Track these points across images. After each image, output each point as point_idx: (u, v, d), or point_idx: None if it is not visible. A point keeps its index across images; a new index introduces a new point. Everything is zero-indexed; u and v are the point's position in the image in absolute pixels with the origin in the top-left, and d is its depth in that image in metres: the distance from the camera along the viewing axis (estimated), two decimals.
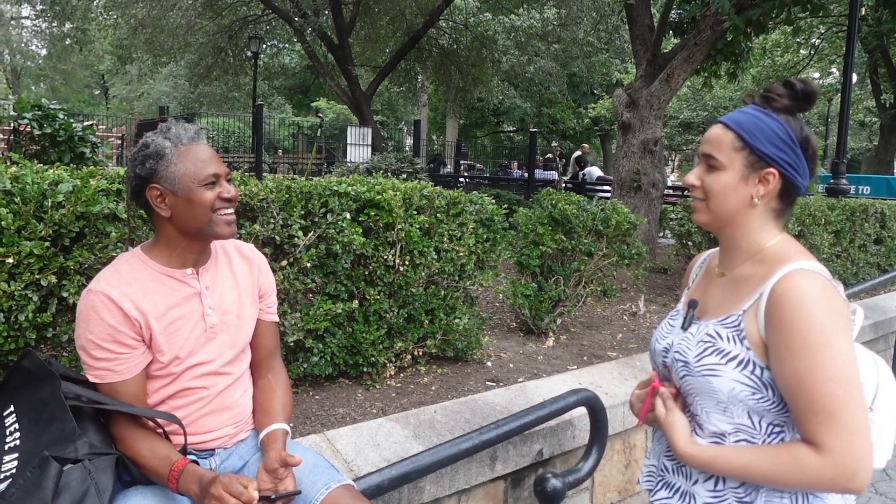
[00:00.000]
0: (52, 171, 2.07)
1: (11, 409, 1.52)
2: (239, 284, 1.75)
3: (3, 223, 1.86)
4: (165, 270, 1.62)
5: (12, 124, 4.85)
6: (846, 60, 7.67)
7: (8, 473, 1.39)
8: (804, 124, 1.30)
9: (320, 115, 21.28)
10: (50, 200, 1.96)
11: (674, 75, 6.23)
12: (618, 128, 6.73)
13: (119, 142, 10.37)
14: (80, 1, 15.27)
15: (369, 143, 10.00)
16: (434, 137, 26.11)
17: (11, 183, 1.91)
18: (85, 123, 4.59)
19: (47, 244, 1.94)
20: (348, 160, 9.57)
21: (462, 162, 16.53)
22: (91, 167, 2.40)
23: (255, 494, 1.42)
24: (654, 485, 1.45)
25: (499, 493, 2.59)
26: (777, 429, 1.25)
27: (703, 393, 1.28)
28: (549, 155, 18.11)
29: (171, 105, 21.30)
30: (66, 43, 18.70)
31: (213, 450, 1.72)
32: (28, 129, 4.77)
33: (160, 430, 1.60)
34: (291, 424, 2.37)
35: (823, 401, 1.14)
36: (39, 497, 1.33)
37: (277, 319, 1.88)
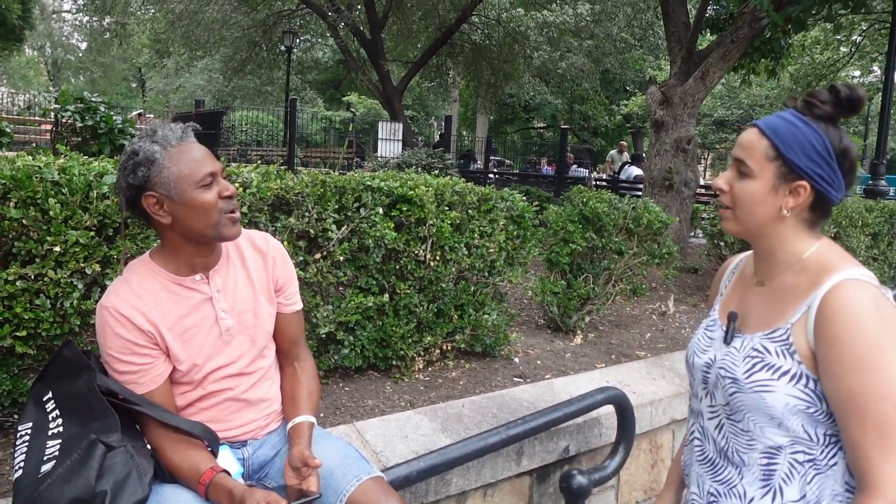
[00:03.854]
0: (97, 162, 2.14)
1: (50, 395, 1.57)
2: (254, 282, 1.72)
3: (51, 213, 1.93)
4: (174, 278, 1.60)
5: (56, 116, 5.01)
6: (888, 58, 7.50)
7: (50, 455, 1.43)
8: (844, 133, 1.24)
9: (352, 109, 21.41)
10: (95, 192, 2.03)
11: (709, 73, 6.15)
12: (651, 125, 6.66)
13: None
14: None
15: (400, 138, 10.05)
16: (464, 133, 26.10)
17: (59, 174, 1.98)
18: (132, 114, 4.70)
19: (92, 234, 2.01)
20: (379, 155, 9.63)
21: (491, 158, 16.49)
22: None
23: None
24: None
25: (524, 488, 2.61)
26: (833, 439, 1.22)
27: (756, 409, 1.24)
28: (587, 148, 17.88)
29: (205, 98, 21.61)
30: (106, 36, 19.09)
31: (245, 441, 1.76)
32: (70, 121, 4.92)
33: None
34: (322, 415, 2.43)
35: (875, 420, 1.11)
36: (84, 476, 1.38)
37: (300, 307, 1.85)
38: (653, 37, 16.50)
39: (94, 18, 18.80)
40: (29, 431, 1.51)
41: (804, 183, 1.22)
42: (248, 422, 1.74)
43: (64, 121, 5.00)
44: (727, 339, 1.33)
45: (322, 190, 2.54)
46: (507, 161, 22.29)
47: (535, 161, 18.23)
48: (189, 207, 1.51)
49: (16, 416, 2.09)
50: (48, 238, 1.94)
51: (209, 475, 1.50)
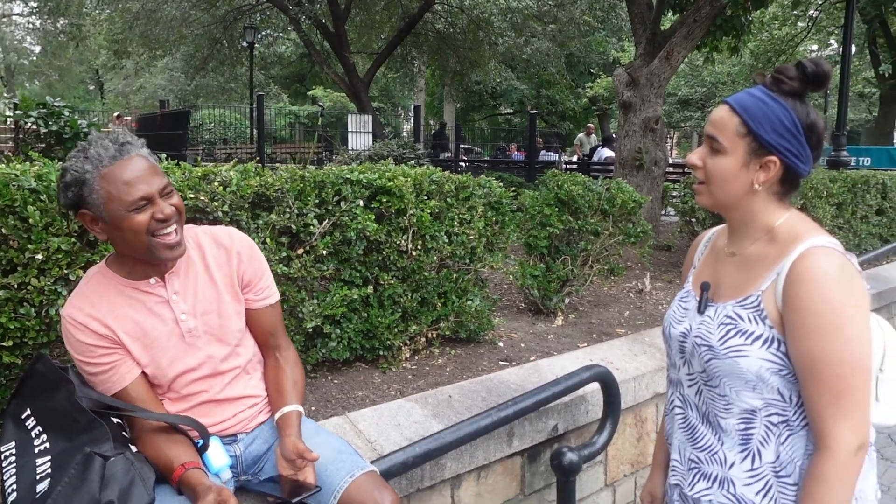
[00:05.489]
0: None
1: (28, 412, 1.56)
2: (216, 280, 1.69)
3: (31, 220, 1.91)
4: (128, 283, 1.60)
5: (17, 122, 4.90)
6: (845, 31, 7.68)
7: (43, 474, 1.43)
8: (812, 108, 1.29)
9: (320, 103, 21.22)
10: None
11: (674, 53, 6.24)
12: (619, 107, 6.75)
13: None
14: None
15: (370, 130, 10.02)
16: (431, 122, 26.05)
17: (36, 181, 1.96)
18: (115, 114, 4.65)
19: (73, 239, 2.00)
20: (350, 148, 9.59)
21: (460, 146, 16.52)
22: None
23: None
24: (681, 479, 1.43)
25: (516, 469, 2.66)
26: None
27: (731, 374, 1.29)
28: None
29: (168, 98, 21.25)
30: (61, 39, 18.63)
31: (235, 435, 1.76)
32: (33, 127, 4.82)
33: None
34: (313, 408, 2.44)
35: (831, 382, 1.18)
36: (87, 490, 1.37)
37: (274, 300, 1.82)
38: (615, 18, 16.64)
39: (48, 21, 18.34)
40: (13, 451, 1.50)
41: (774, 158, 1.27)
42: (230, 416, 1.74)
43: (27, 127, 4.90)
44: (701, 309, 1.37)
45: (302, 185, 2.55)
46: (476, 148, 22.34)
47: (504, 147, 18.30)
48: (119, 229, 1.50)
49: None
50: (29, 246, 1.92)
51: (179, 472, 1.51)
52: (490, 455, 2.49)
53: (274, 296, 1.82)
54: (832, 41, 20.78)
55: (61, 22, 17.65)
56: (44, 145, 4.86)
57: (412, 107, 16.30)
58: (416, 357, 3.09)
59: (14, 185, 1.91)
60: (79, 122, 4.87)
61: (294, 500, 1.56)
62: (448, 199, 3.05)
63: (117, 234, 1.52)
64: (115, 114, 10.68)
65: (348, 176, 2.69)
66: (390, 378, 2.84)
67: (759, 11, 10.23)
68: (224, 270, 1.71)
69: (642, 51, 6.70)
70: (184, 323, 1.64)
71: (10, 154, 5.34)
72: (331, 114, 22.85)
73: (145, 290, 1.61)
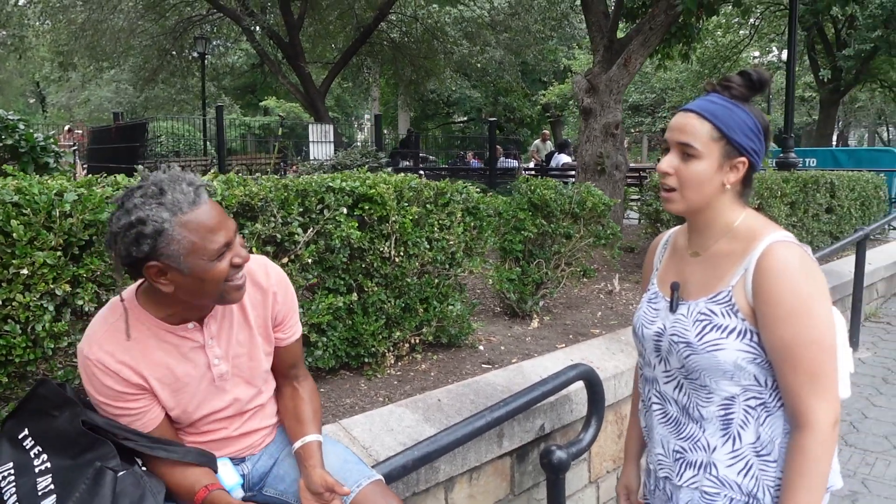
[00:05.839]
0: (53, 181, 2.07)
1: (26, 432, 1.51)
2: (251, 322, 1.61)
3: (15, 235, 1.86)
4: (165, 326, 1.48)
5: None
6: (789, 38, 8.00)
7: (45, 490, 1.38)
8: (761, 112, 1.41)
9: (280, 114, 20.99)
10: (57, 210, 1.96)
11: (631, 59, 6.41)
12: (580, 113, 6.89)
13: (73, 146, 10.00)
14: (14, 7, 14.75)
15: (332, 139, 9.97)
16: (386, 132, 26.06)
17: (18, 195, 1.91)
18: (66, 128, 4.53)
19: (59, 253, 1.95)
20: (312, 158, 9.52)
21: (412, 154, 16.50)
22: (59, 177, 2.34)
23: None
24: (669, 471, 1.48)
25: (506, 469, 2.69)
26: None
27: (710, 367, 1.36)
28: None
29: (117, 111, 20.72)
30: (0, 51, 17.98)
31: (244, 457, 1.75)
32: None
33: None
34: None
35: (805, 363, 1.27)
36: None
37: (299, 335, 1.75)
38: (567, 27, 16.96)
39: None
40: (11, 471, 1.45)
41: (743, 159, 1.37)
42: (245, 447, 1.72)
43: None
44: (673, 308, 1.44)
45: (285, 194, 2.54)
46: (431, 157, 22.40)
47: (462, 155, 18.42)
48: (198, 280, 1.38)
49: None
50: (13, 261, 1.87)
51: (202, 494, 1.48)
52: (482, 456, 2.52)
53: (299, 329, 1.76)
54: (773, 48, 21.62)
55: (2, 33, 17.03)
56: None
57: (372, 116, 16.25)
58: (400, 363, 3.10)
59: None
60: (35, 135, 4.73)
61: None
62: (427, 206, 3.08)
63: (193, 285, 1.38)
64: (66, 127, 10.31)
65: (331, 184, 2.70)
66: (376, 385, 2.84)
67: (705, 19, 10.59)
68: (259, 311, 1.62)
69: (600, 58, 6.87)
70: (216, 368, 1.57)
71: None
72: (284, 125, 22.64)
73: (182, 335, 1.51)
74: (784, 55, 23.22)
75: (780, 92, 23.15)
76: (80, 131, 10.66)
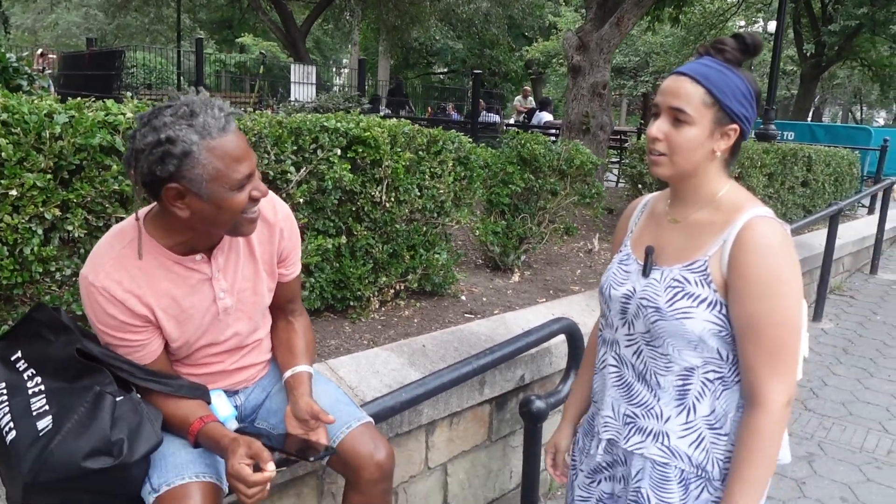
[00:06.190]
0: (43, 101, 2.00)
1: (19, 354, 1.49)
2: (257, 257, 1.60)
3: (3, 154, 1.80)
4: (172, 256, 1.46)
5: None
6: (780, 8, 7.99)
7: (40, 411, 1.37)
8: (753, 76, 1.37)
9: (262, 52, 20.39)
10: (48, 132, 1.90)
11: (624, 19, 6.35)
12: (568, 70, 6.83)
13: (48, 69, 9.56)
14: None
15: (314, 81, 9.74)
16: (368, 77, 25.55)
17: (7, 114, 1.84)
18: (38, 52, 4.36)
19: (49, 176, 1.90)
20: (293, 99, 9.31)
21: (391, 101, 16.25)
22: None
23: (271, 473, 1.35)
24: (616, 434, 1.48)
25: (485, 416, 2.75)
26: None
27: (676, 335, 1.35)
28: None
29: (85, 37, 19.88)
30: None
31: (238, 390, 1.75)
32: None
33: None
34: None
35: (770, 342, 1.27)
36: (98, 428, 1.34)
37: (299, 270, 1.75)
38: None
39: None
40: (3, 391, 1.44)
41: (735, 126, 1.33)
42: (240, 380, 1.73)
43: None
44: (646, 272, 1.42)
45: (280, 131, 2.49)
46: (408, 106, 22.09)
47: (444, 107, 18.18)
48: (216, 208, 1.35)
49: None
50: (2, 181, 1.82)
51: (197, 426, 1.47)
52: (463, 402, 2.56)
53: (299, 265, 1.76)
54: (759, 18, 21.60)
55: None
56: None
57: (353, 60, 15.91)
58: (384, 308, 3.11)
59: None
60: (8, 56, 4.52)
61: (312, 459, 1.52)
62: (420, 153, 3.05)
63: (210, 212, 1.36)
64: (39, 51, 9.85)
65: (325, 123, 2.65)
66: (361, 328, 2.86)
67: None
68: (265, 247, 1.61)
69: (592, 15, 6.79)
70: (221, 301, 1.54)
71: None
72: (265, 63, 22.03)
73: (189, 267, 1.48)
74: (770, 26, 23.24)
75: (762, 63, 23.26)
76: (53, 56, 10.19)
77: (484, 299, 3.49)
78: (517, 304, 3.46)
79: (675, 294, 1.34)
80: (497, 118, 14.29)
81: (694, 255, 1.36)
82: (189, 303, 1.50)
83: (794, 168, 6.49)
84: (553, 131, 9.93)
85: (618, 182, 8.91)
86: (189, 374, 1.63)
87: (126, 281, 1.41)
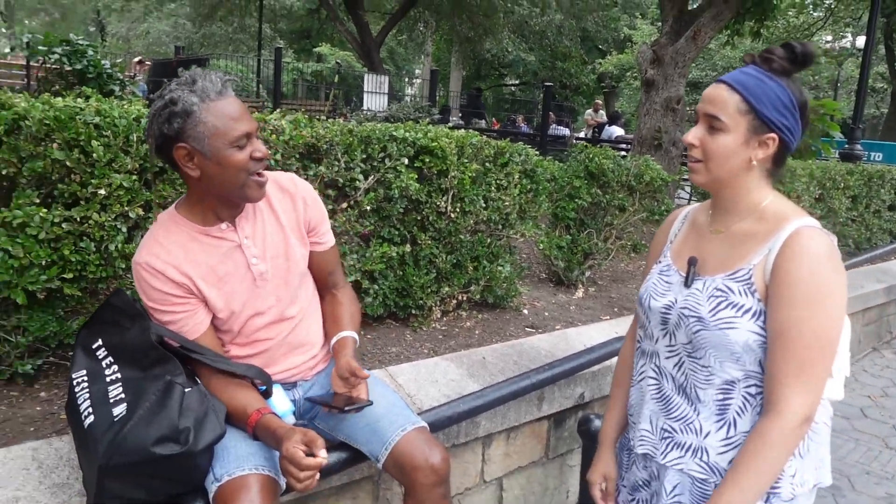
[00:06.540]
0: (131, 106, 2.11)
1: (100, 342, 1.59)
2: (283, 225, 1.71)
3: (95, 155, 1.92)
4: (201, 229, 1.60)
5: (35, 59, 4.81)
6: (869, 23, 7.63)
7: (116, 398, 1.46)
8: (802, 87, 1.33)
9: (338, 62, 20.95)
10: (135, 135, 2.01)
11: (700, 33, 6.20)
12: (641, 84, 6.71)
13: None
14: None
15: (386, 91, 9.92)
16: (439, 87, 25.83)
17: (99, 117, 1.96)
18: (136, 59, 4.59)
19: (135, 177, 2.00)
20: (365, 108, 9.51)
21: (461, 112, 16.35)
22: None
23: (322, 459, 1.41)
24: (652, 449, 1.45)
25: (542, 432, 2.72)
26: None
27: (719, 345, 1.32)
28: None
29: (173, 45, 20.90)
30: None
31: (295, 382, 1.81)
32: (54, 65, 4.73)
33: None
34: (361, 333, 2.47)
35: (799, 353, 1.23)
36: (167, 415, 1.41)
37: (333, 243, 1.86)
38: None
39: None
40: (85, 378, 1.53)
41: (773, 135, 1.31)
42: (294, 365, 1.78)
43: (48, 65, 4.81)
44: (688, 283, 1.40)
45: (350, 139, 2.55)
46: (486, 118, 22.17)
47: (513, 118, 18.18)
48: (219, 165, 1.49)
49: (61, 359, 2.09)
50: (92, 181, 1.93)
51: (255, 417, 1.53)
52: (521, 417, 2.54)
53: (332, 239, 1.87)
54: (847, 33, 20.66)
55: None
56: (65, 83, 4.79)
57: (426, 71, 16.11)
58: (446, 318, 3.13)
59: (79, 119, 1.91)
60: (102, 62, 4.80)
61: (347, 409, 1.61)
62: (486, 164, 3.06)
63: (215, 170, 1.50)
64: (137, 59, 10.46)
65: (394, 133, 2.69)
66: (422, 337, 2.88)
67: None
68: (290, 215, 1.72)
69: (668, 29, 6.65)
70: (255, 267, 1.65)
71: (19, 90, 5.25)
72: (340, 72, 22.58)
73: (217, 236, 1.61)
74: (859, 42, 22.20)
75: (849, 80, 22.24)
76: (149, 63, 10.80)
77: (546, 314, 3.46)
78: (580, 320, 3.41)
79: (719, 304, 1.32)
80: (566, 131, 14.17)
81: (737, 265, 1.34)
82: (224, 269, 1.61)
83: (881, 191, 6.17)
84: (623, 146, 9.76)
85: (690, 199, 8.66)
86: (243, 357, 1.70)
87: (163, 254, 1.56)
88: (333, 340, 1.78)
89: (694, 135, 1.35)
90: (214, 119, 1.47)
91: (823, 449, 1.38)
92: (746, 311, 1.29)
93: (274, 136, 2.34)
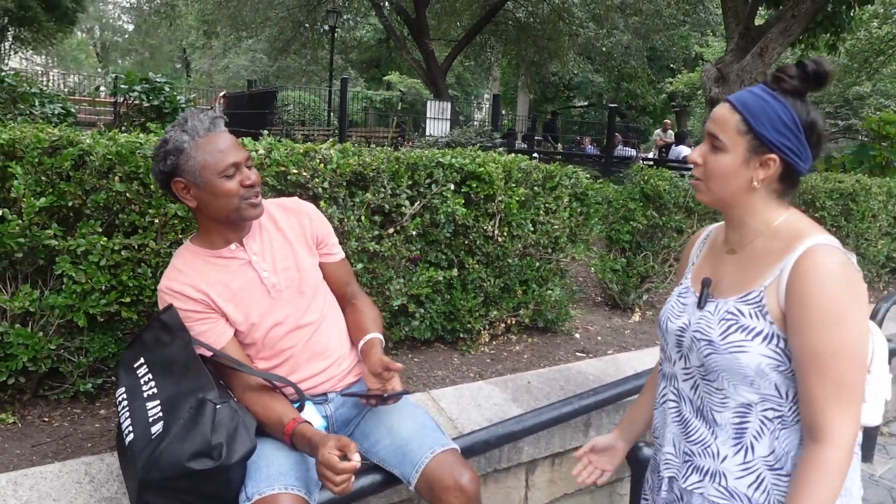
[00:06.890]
0: None
1: (142, 360, 1.69)
2: (290, 239, 1.84)
3: (152, 187, 2.05)
4: (213, 252, 1.74)
5: (119, 96, 5.16)
6: None
7: (155, 417, 1.55)
8: (812, 107, 1.29)
9: (402, 89, 21.48)
10: None
11: (768, 49, 6.02)
12: (706, 103, 6.57)
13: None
14: None
15: (448, 117, 10.08)
16: (504, 112, 25.99)
17: None
18: (221, 94, 4.87)
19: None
20: (428, 134, 9.69)
21: (534, 137, 16.36)
22: None
23: (356, 463, 1.48)
24: (676, 472, 1.43)
25: None
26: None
27: (730, 369, 1.29)
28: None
29: (252, 79, 21.96)
30: (154, 18, 19.51)
31: (325, 395, 1.85)
32: (136, 101, 5.07)
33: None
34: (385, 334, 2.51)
35: (834, 374, 1.19)
36: (200, 432, 1.48)
37: (343, 256, 1.98)
38: (702, 12, 16.11)
39: (143, 0, 19.23)
40: (125, 396, 1.63)
41: (773, 156, 1.27)
42: (318, 371, 1.83)
43: (129, 101, 5.15)
44: (701, 304, 1.38)
45: (396, 166, 2.61)
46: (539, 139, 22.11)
47: (579, 140, 18.05)
48: (212, 194, 1.64)
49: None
50: (149, 211, 2.06)
51: (292, 425, 1.61)
52: (566, 443, 2.51)
53: (341, 252, 1.98)
54: None
55: (155, 1, 18.44)
56: (144, 119, 5.12)
57: (491, 96, 16.28)
58: (494, 342, 3.13)
59: (139, 153, 2.04)
60: (177, 97, 5.10)
61: (386, 396, 1.68)
62: (535, 188, 3.07)
63: (209, 199, 1.65)
64: (222, 93, 11.16)
65: (441, 159, 2.74)
66: (469, 360, 2.89)
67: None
68: (296, 231, 1.86)
69: (734, 46, 6.50)
70: (267, 279, 1.76)
71: (106, 125, 5.63)
72: (404, 100, 23.07)
73: (228, 256, 1.75)
74: None
75: None
76: (224, 96, 11.47)
77: (599, 338, 3.41)
78: (633, 344, 3.34)
79: (729, 327, 1.30)
80: (633, 152, 13.96)
81: (749, 287, 1.31)
82: (238, 285, 1.74)
83: None
84: (690, 165, 9.51)
85: None
86: (270, 369, 1.78)
87: (182, 278, 1.71)
88: (360, 343, 1.86)
89: (698, 153, 1.35)
90: (203, 153, 1.63)
91: (854, 474, 1.33)
92: (757, 335, 1.27)
93: (322, 165, 2.43)
